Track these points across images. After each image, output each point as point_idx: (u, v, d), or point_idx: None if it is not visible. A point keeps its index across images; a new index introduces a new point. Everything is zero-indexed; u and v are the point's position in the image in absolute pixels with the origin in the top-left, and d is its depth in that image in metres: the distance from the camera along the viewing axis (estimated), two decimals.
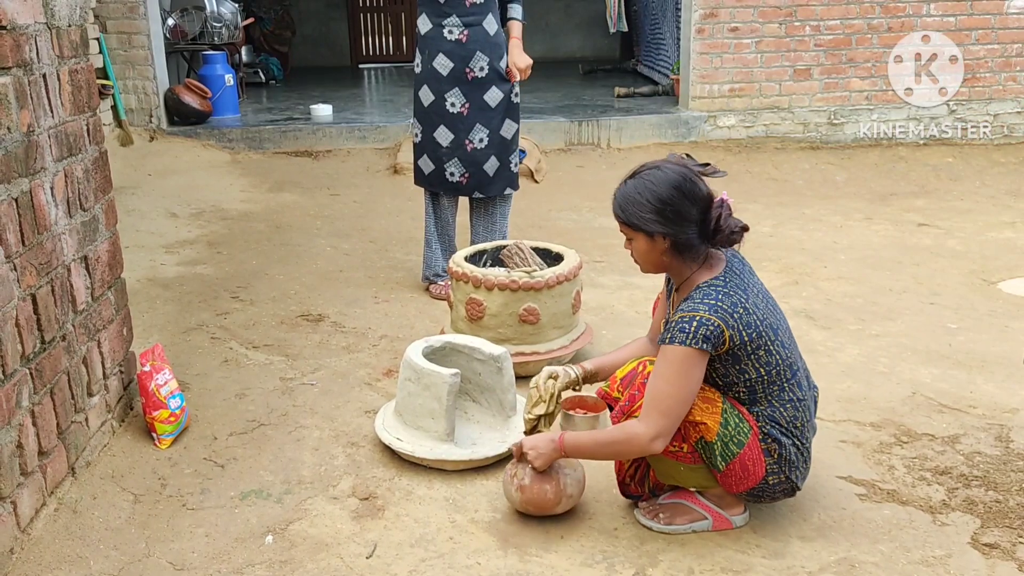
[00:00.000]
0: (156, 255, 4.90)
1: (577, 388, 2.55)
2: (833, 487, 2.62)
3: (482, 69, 4.09)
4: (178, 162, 6.91)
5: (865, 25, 7.33)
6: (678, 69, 7.97)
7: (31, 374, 2.33)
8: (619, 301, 4.22)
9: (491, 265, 3.60)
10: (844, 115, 7.49)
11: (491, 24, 4.11)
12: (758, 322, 2.22)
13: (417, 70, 4.18)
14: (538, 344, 3.34)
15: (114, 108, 7.04)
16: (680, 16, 7.80)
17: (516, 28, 4.21)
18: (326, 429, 2.99)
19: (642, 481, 2.50)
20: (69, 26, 2.66)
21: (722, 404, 2.25)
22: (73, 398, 2.58)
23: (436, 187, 4.25)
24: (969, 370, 3.42)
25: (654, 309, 2.67)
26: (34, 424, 2.35)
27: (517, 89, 4.24)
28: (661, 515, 2.42)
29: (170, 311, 4.05)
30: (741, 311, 2.19)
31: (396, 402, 2.87)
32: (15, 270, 2.27)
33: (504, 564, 2.29)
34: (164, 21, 7.89)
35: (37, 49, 2.44)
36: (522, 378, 3.25)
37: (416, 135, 4.24)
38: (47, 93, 2.49)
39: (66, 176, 2.59)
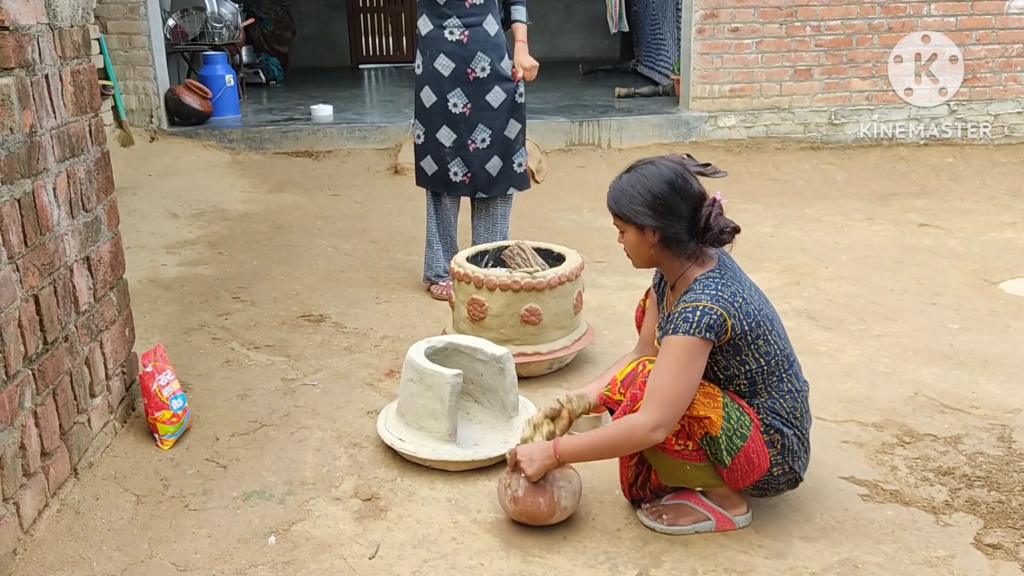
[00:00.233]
0: (157, 256, 4.90)
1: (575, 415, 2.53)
2: (836, 488, 2.62)
3: (483, 70, 4.09)
4: (179, 162, 6.91)
5: (866, 25, 7.34)
6: (678, 69, 7.97)
7: (34, 375, 2.33)
8: (620, 301, 4.22)
9: (493, 266, 3.60)
10: (845, 115, 7.50)
11: (491, 25, 4.11)
12: (756, 312, 2.26)
13: (418, 71, 4.18)
14: (540, 344, 3.34)
15: (115, 109, 7.04)
16: (680, 16, 7.81)
17: (521, 31, 4.22)
18: (328, 430, 2.99)
19: (643, 486, 2.50)
20: (71, 27, 2.66)
21: (723, 399, 2.27)
22: (75, 399, 2.58)
23: (439, 188, 4.25)
24: (971, 370, 3.42)
25: (638, 322, 2.68)
26: (37, 425, 2.34)
27: (522, 89, 4.23)
28: (664, 516, 2.42)
29: (171, 312, 4.05)
30: (740, 301, 2.23)
31: (398, 403, 2.87)
32: (18, 271, 2.26)
33: (507, 565, 2.29)
34: (164, 22, 7.89)
35: (39, 50, 2.44)
36: (524, 379, 3.25)
37: (418, 136, 4.24)
38: (49, 94, 2.49)
39: (68, 177, 2.59)
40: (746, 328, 2.22)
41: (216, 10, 8.41)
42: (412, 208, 5.76)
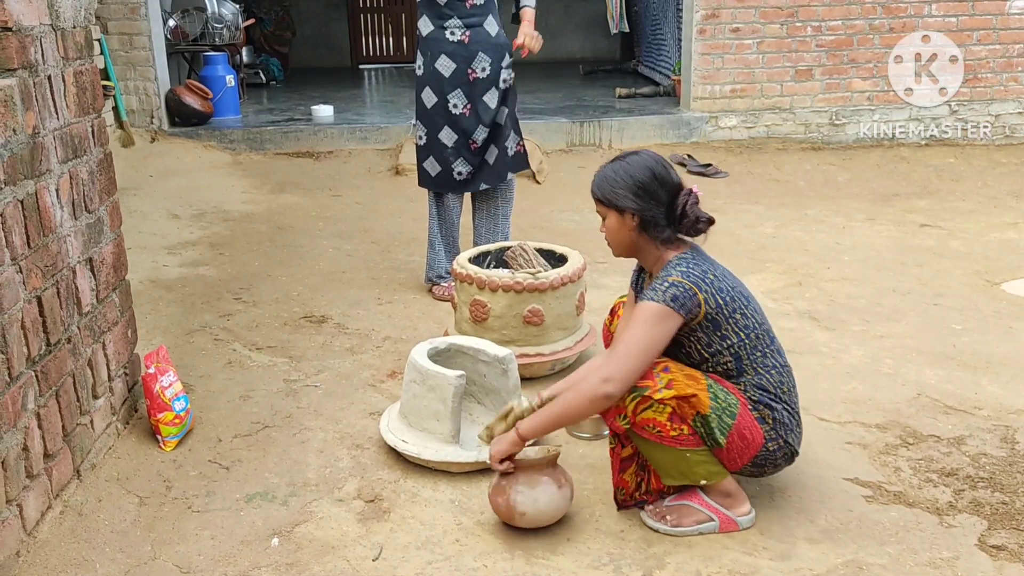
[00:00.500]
0: (158, 256, 4.90)
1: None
2: (839, 489, 2.61)
3: (484, 70, 4.09)
4: (179, 163, 6.91)
5: (867, 25, 7.34)
6: (679, 70, 7.97)
7: (37, 376, 2.33)
8: None
9: (495, 266, 3.59)
10: (846, 116, 7.49)
11: (492, 25, 4.11)
12: (729, 288, 2.35)
13: (419, 72, 4.18)
14: (542, 345, 3.33)
15: (115, 109, 7.03)
16: (681, 17, 7.80)
17: (529, 13, 4.22)
18: (331, 431, 2.98)
19: (647, 492, 2.51)
20: (74, 27, 2.66)
21: (706, 380, 2.32)
22: (78, 400, 2.58)
23: (443, 188, 4.24)
24: (974, 371, 3.42)
25: (605, 340, 2.75)
26: (40, 427, 2.34)
27: (506, 75, 4.17)
28: (668, 517, 2.42)
29: (173, 313, 4.05)
30: (712, 278, 2.33)
31: (401, 404, 2.87)
32: (21, 272, 2.26)
33: (511, 567, 2.29)
34: (165, 22, 7.88)
35: (42, 51, 2.44)
36: (527, 380, 3.25)
37: (420, 137, 4.23)
38: (52, 95, 2.49)
39: (71, 178, 2.58)
40: (720, 302, 2.31)
41: (216, 11, 8.40)
42: (413, 209, 5.76)
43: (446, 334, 3.49)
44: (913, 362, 3.51)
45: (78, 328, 2.60)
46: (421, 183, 4.33)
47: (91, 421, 2.67)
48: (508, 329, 3.30)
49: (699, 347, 2.36)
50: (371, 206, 6.08)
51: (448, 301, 4.16)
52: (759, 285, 4.45)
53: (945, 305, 4.14)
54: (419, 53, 4.17)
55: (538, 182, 6.53)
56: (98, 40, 6.86)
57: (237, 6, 9.02)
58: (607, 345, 2.73)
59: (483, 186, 4.24)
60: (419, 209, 5.38)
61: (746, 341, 2.34)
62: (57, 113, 2.51)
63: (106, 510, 2.51)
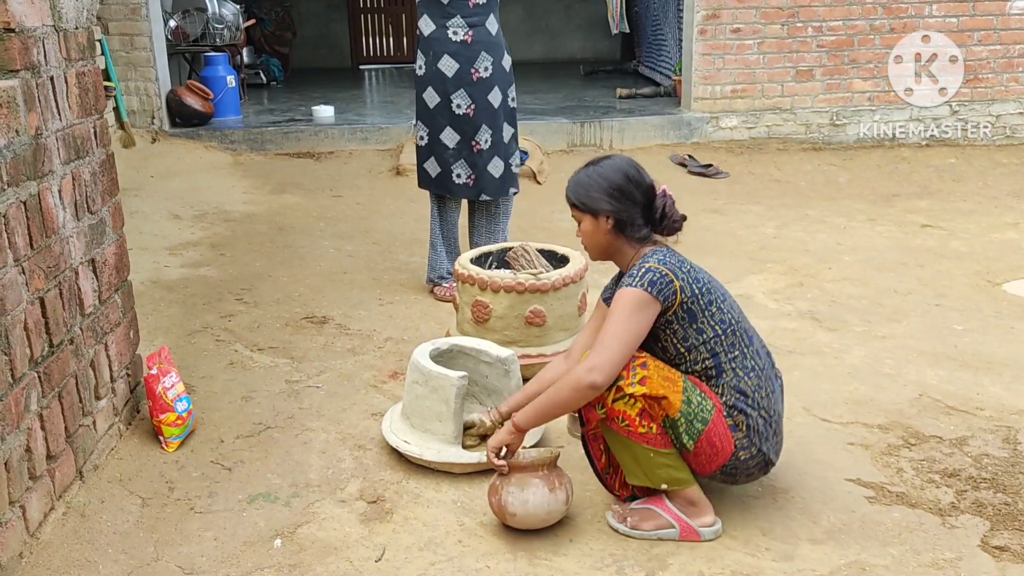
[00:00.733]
0: (160, 257, 4.90)
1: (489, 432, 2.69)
2: (842, 490, 2.61)
3: (487, 69, 4.09)
4: (180, 164, 6.91)
5: (867, 26, 7.34)
6: (680, 70, 7.98)
7: (39, 378, 2.33)
8: None
9: (497, 267, 3.59)
10: (846, 116, 7.50)
11: (492, 24, 4.11)
12: (706, 280, 2.38)
13: (419, 72, 4.17)
14: (544, 346, 3.33)
15: (116, 110, 7.03)
16: (682, 17, 7.80)
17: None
18: (333, 432, 2.98)
19: (623, 485, 2.51)
20: (76, 28, 2.66)
21: (682, 383, 2.31)
22: (81, 401, 2.58)
23: (442, 190, 4.24)
24: (976, 372, 3.42)
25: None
26: (42, 428, 2.34)
27: (514, 94, 4.24)
28: (629, 519, 2.43)
29: (174, 313, 4.05)
30: (688, 268, 2.37)
31: (403, 405, 2.87)
32: (24, 273, 2.26)
33: (514, 567, 2.29)
34: (166, 23, 7.89)
35: (45, 52, 2.44)
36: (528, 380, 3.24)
37: (421, 138, 4.23)
38: (55, 96, 2.49)
39: (74, 179, 2.58)
40: (696, 292, 2.32)
41: (217, 11, 8.41)
42: (414, 209, 5.76)
43: (448, 335, 3.49)
44: (915, 363, 3.51)
45: (80, 329, 2.60)
46: (421, 184, 4.32)
47: (93, 422, 2.67)
48: (510, 330, 3.30)
49: (675, 341, 2.35)
50: (372, 207, 6.08)
51: (450, 302, 4.16)
52: (760, 285, 4.45)
53: (946, 306, 4.14)
54: (420, 53, 4.17)
55: (539, 183, 6.53)
56: (99, 41, 6.86)
57: (238, 7, 9.02)
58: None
59: (484, 197, 4.24)
60: (420, 210, 5.38)
61: (722, 337, 2.34)
62: (59, 114, 2.51)
63: (109, 511, 2.51)
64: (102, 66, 6.89)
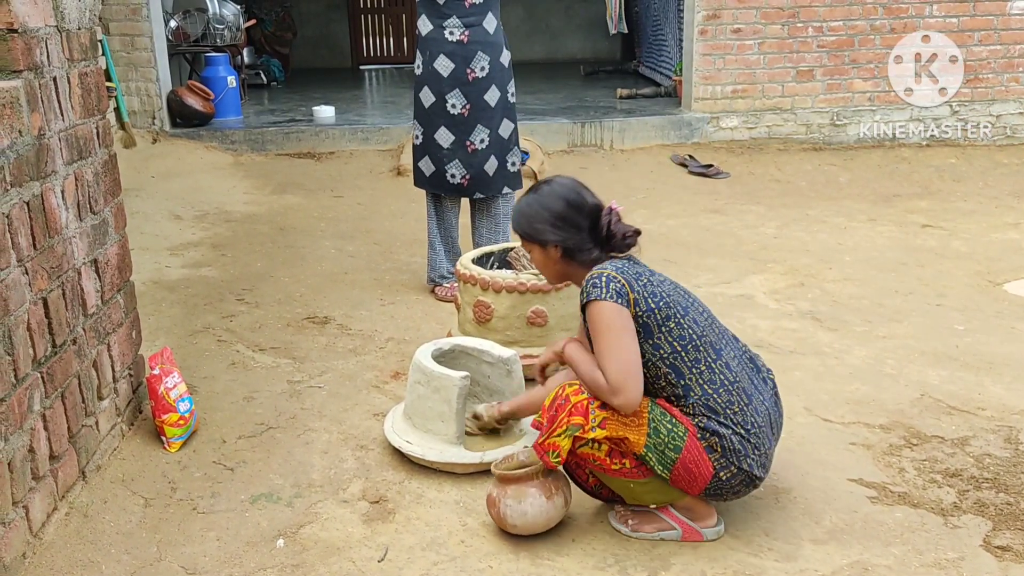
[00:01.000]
0: (161, 257, 4.90)
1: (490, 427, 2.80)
2: (844, 490, 2.62)
3: (483, 69, 4.09)
4: (181, 164, 6.91)
5: (868, 26, 7.34)
6: (680, 70, 7.98)
7: (42, 378, 2.33)
8: None
9: (498, 267, 3.59)
10: (847, 116, 7.50)
11: (491, 23, 4.11)
12: (664, 294, 2.29)
13: (418, 71, 4.18)
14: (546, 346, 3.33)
15: (117, 110, 7.04)
16: (682, 17, 7.81)
17: None
18: (335, 432, 2.99)
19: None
20: (79, 29, 2.66)
21: (648, 414, 2.25)
22: (83, 402, 2.58)
23: (437, 189, 4.25)
24: (977, 372, 3.42)
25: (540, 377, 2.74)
26: (45, 428, 2.34)
27: (513, 89, 4.24)
28: (630, 520, 2.42)
29: (176, 314, 4.05)
30: (645, 281, 2.29)
31: (405, 405, 2.87)
32: (27, 274, 2.26)
33: (516, 568, 2.29)
34: (166, 23, 7.89)
35: (48, 52, 2.44)
36: (530, 380, 3.24)
37: (417, 137, 4.24)
38: (57, 96, 2.49)
39: (76, 179, 2.59)
40: (652, 306, 2.25)
41: (218, 11, 8.41)
42: (415, 210, 5.76)
43: (449, 335, 3.49)
44: (916, 363, 3.51)
45: (83, 329, 2.60)
46: (416, 183, 4.33)
47: (96, 423, 2.67)
48: (512, 330, 3.30)
49: None
50: (373, 207, 6.08)
51: (451, 302, 4.16)
52: (761, 286, 4.46)
53: (947, 306, 4.15)
54: (418, 53, 4.18)
55: None
56: (100, 41, 6.86)
57: (238, 7, 9.03)
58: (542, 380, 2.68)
59: (478, 195, 4.24)
60: (421, 210, 5.37)
61: (682, 353, 2.26)
62: (62, 114, 2.52)
63: (111, 511, 2.51)
64: (103, 66, 6.90)
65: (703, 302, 2.44)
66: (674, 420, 2.25)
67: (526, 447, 2.61)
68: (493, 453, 2.73)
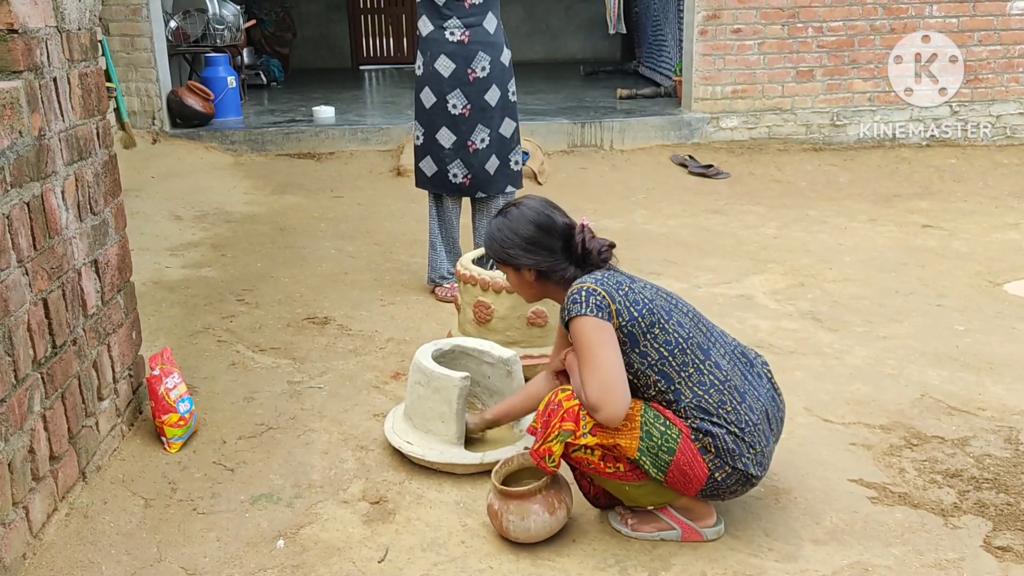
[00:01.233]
0: (161, 258, 4.90)
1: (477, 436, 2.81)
2: (845, 490, 2.61)
3: (484, 69, 4.09)
4: (181, 164, 6.91)
5: (868, 26, 7.34)
6: (680, 70, 7.98)
7: (43, 379, 2.33)
8: None
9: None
10: (847, 116, 7.50)
11: (491, 23, 4.12)
12: (646, 300, 2.29)
13: (418, 72, 4.18)
14: (546, 347, 3.33)
15: (117, 111, 7.04)
16: (682, 17, 7.81)
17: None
18: (335, 432, 2.98)
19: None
20: (79, 29, 2.66)
21: (641, 417, 2.24)
22: (84, 402, 2.58)
23: (439, 189, 4.25)
24: (977, 372, 3.42)
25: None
26: (45, 429, 2.34)
27: (513, 88, 4.24)
28: (630, 520, 2.42)
29: (176, 314, 4.05)
30: (626, 290, 2.29)
31: (405, 405, 2.87)
32: (27, 274, 2.26)
33: (516, 568, 2.29)
34: (166, 23, 7.89)
35: (48, 53, 2.44)
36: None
37: (418, 137, 4.24)
38: (58, 97, 2.49)
39: (76, 180, 2.59)
40: (635, 315, 2.25)
41: (218, 12, 8.41)
42: (415, 210, 5.76)
43: (449, 335, 3.49)
44: (916, 363, 3.51)
45: (83, 330, 2.60)
46: (418, 183, 4.33)
47: (96, 423, 2.67)
48: (512, 330, 3.30)
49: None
50: (373, 207, 6.08)
51: (451, 302, 4.16)
52: (761, 286, 4.46)
53: (948, 306, 4.15)
54: (419, 53, 4.18)
55: (539, 183, 6.53)
56: (100, 41, 6.86)
57: (238, 7, 9.03)
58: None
59: (480, 194, 4.25)
60: (421, 210, 5.38)
61: (669, 358, 2.25)
62: (62, 115, 2.52)
63: (111, 512, 2.51)
64: (103, 67, 6.90)
65: (688, 302, 2.43)
66: (667, 423, 2.25)
67: (526, 448, 2.61)
68: (493, 454, 2.73)
